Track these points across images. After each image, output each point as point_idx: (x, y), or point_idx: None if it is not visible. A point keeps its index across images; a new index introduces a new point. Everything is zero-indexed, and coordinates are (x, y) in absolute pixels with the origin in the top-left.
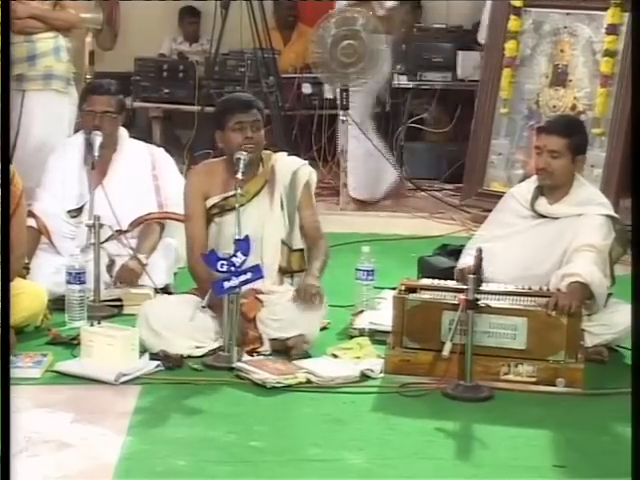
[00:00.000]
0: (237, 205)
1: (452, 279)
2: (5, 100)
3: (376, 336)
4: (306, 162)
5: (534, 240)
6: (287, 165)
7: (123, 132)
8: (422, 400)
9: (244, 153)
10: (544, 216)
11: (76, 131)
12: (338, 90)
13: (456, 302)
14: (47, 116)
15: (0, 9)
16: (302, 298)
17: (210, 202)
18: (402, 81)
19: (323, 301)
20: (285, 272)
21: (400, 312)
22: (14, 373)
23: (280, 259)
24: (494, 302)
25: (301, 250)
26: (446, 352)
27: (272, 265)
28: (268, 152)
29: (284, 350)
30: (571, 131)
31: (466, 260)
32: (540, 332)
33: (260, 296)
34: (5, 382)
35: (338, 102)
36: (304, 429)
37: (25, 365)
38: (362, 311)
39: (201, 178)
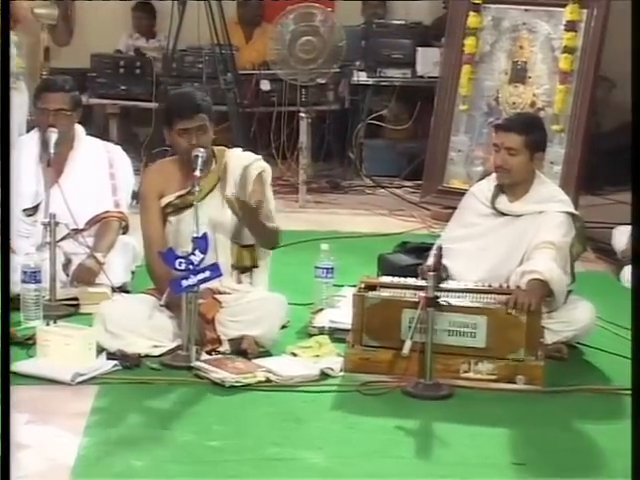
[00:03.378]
0: (195, 202)
1: (412, 276)
2: (5, 99)
3: (336, 334)
4: (259, 157)
5: (497, 240)
6: (239, 160)
7: (79, 129)
8: (382, 399)
9: (201, 150)
10: (505, 214)
11: (30, 129)
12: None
13: (416, 300)
14: None
15: (0, 9)
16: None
17: (165, 201)
18: (361, 77)
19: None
20: (237, 269)
21: (360, 310)
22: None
23: (231, 256)
24: (454, 300)
25: (252, 246)
26: (406, 350)
27: (226, 263)
28: (221, 148)
29: (240, 351)
30: (529, 128)
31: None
32: (500, 330)
33: (218, 296)
34: (5, 386)
35: (298, 99)
36: (264, 428)
37: None
38: (322, 309)
39: (155, 177)
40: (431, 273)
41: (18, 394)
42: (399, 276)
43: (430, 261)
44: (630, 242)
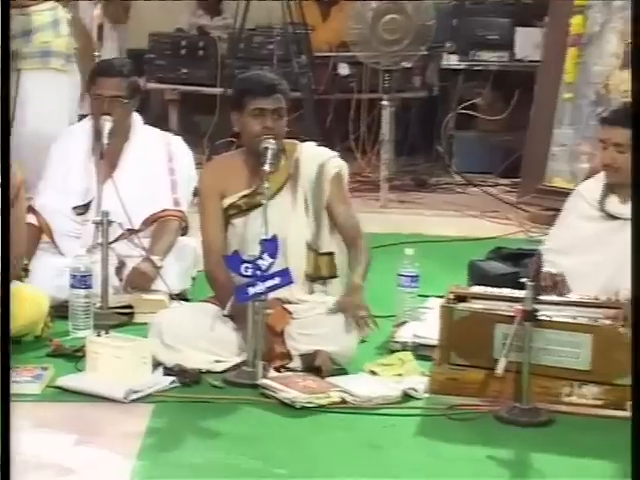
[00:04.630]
0: (265, 201)
1: (507, 286)
2: (5, 100)
3: (420, 351)
4: (336, 154)
5: (608, 251)
6: (313, 157)
7: (136, 118)
8: (472, 424)
9: (272, 141)
10: (615, 217)
11: (82, 117)
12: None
13: (512, 313)
14: (45, 98)
15: (0, 9)
16: (348, 321)
17: (227, 202)
18: (452, 61)
19: (369, 325)
20: (313, 279)
21: (447, 324)
22: (10, 388)
23: (306, 264)
24: (555, 314)
25: (330, 254)
26: (500, 370)
27: (297, 271)
28: (292, 142)
29: (313, 368)
30: None
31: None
32: (607, 350)
33: (288, 306)
34: (5, 395)
35: (380, 85)
36: (337, 455)
37: (23, 379)
38: (404, 322)
39: (217, 174)
40: (530, 283)
41: (65, 412)
42: (492, 286)
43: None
44: None
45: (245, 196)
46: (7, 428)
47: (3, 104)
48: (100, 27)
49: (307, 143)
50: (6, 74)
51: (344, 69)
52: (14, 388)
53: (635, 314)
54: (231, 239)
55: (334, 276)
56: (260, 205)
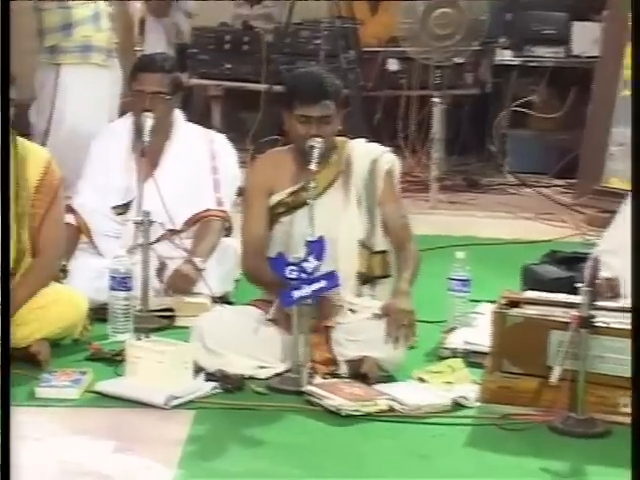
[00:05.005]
0: (310, 200)
1: (562, 291)
2: (5, 99)
3: (471, 358)
4: (388, 149)
5: None
6: (365, 153)
7: (178, 115)
8: (524, 434)
9: (318, 140)
10: None
11: (122, 113)
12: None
13: (567, 320)
14: (85, 94)
15: (0, 9)
16: (390, 327)
17: (275, 199)
18: (506, 57)
19: (415, 334)
20: (366, 279)
21: (500, 330)
22: (48, 393)
23: (359, 264)
24: (613, 320)
25: (383, 252)
26: (554, 378)
27: (349, 271)
28: (343, 139)
29: (359, 375)
30: None
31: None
32: None
33: (336, 302)
34: (5, 396)
35: (431, 81)
36: (383, 464)
37: (61, 384)
38: (455, 328)
39: (265, 170)
40: (586, 288)
41: (103, 418)
42: (547, 291)
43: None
44: None
45: (292, 193)
46: (7, 432)
47: (3, 103)
48: (142, 21)
49: (357, 139)
50: (6, 74)
51: (393, 65)
52: (52, 393)
53: (635, 323)
54: (276, 238)
55: (387, 275)
56: (307, 203)
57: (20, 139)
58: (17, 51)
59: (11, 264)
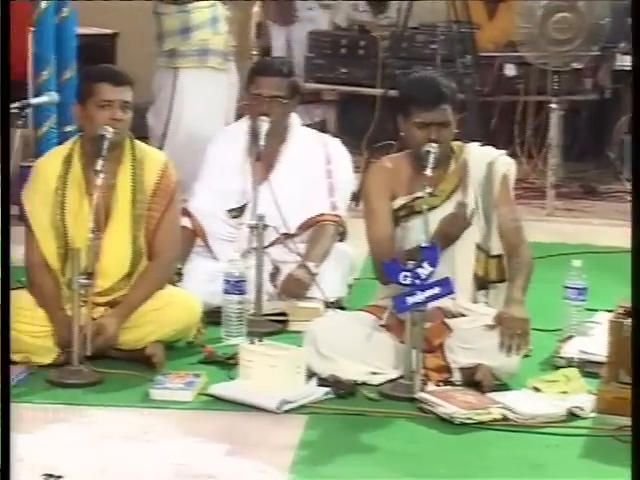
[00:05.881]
0: (425, 207)
1: None
2: (5, 99)
3: (587, 367)
4: (504, 152)
5: None
6: (481, 157)
7: (294, 119)
8: None
9: (434, 145)
10: None
11: (239, 116)
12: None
13: None
14: (202, 97)
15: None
16: (504, 336)
17: (399, 202)
18: (626, 62)
19: (529, 342)
20: (482, 283)
21: (617, 340)
22: (162, 395)
23: (476, 267)
24: None
25: (499, 256)
26: None
27: (466, 275)
28: (459, 143)
29: (473, 383)
30: None
31: None
32: None
33: (448, 321)
34: (5, 396)
35: (548, 87)
36: (495, 474)
37: (174, 386)
38: (571, 337)
39: (387, 174)
40: None
41: (216, 421)
42: None
43: None
44: None
45: (418, 197)
46: (7, 431)
47: (3, 103)
48: (258, 25)
49: (473, 143)
50: (6, 73)
51: (510, 70)
52: (166, 395)
53: (635, 325)
54: (399, 242)
55: (503, 280)
56: (434, 208)
57: (138, 142)
58: (136, 55)
59: (10, 264)
